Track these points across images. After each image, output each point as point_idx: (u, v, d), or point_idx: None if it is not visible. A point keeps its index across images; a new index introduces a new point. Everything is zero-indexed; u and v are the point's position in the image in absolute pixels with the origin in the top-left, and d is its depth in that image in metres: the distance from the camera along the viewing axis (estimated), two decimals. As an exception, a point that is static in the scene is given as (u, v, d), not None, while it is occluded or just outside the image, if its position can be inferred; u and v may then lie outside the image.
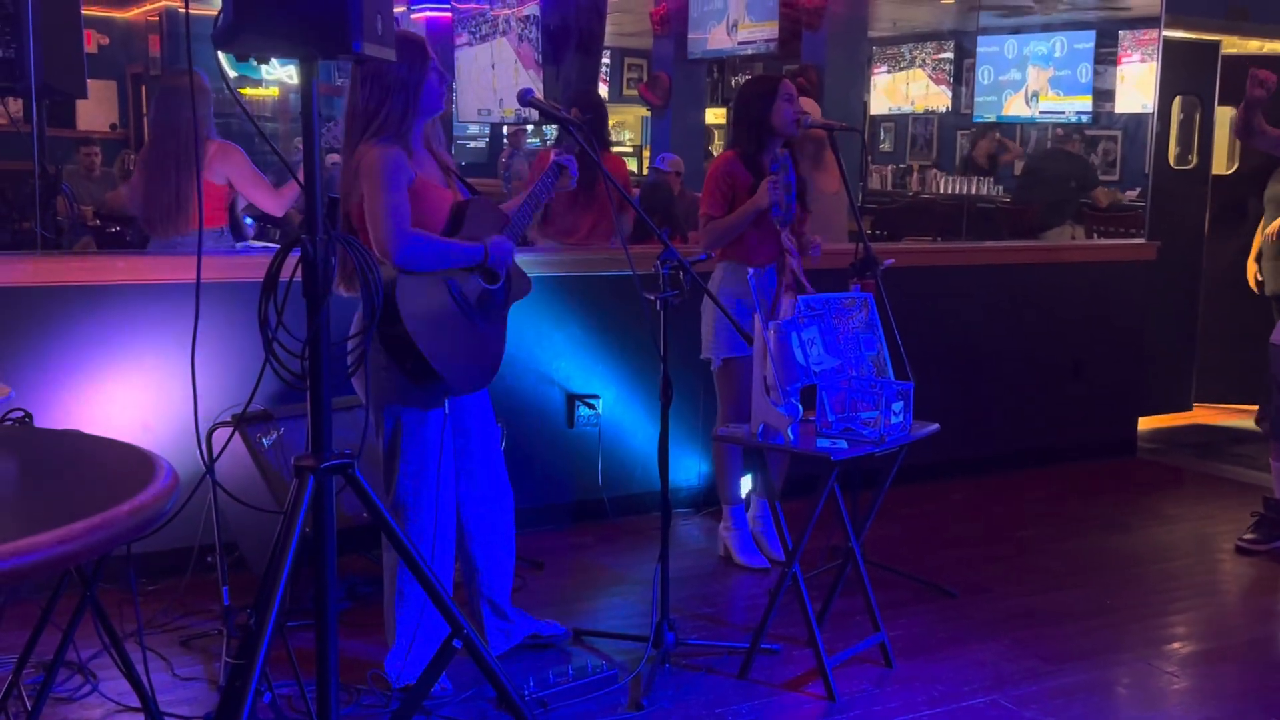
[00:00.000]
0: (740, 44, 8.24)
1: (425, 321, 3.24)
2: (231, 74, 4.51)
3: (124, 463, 1.85)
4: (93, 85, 5.55)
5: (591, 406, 5.02)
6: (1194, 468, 6.37)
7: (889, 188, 12.35)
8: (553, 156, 3.58)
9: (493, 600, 3.63)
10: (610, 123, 6.72)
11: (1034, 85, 9.99)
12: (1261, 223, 6.74)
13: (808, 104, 5.57)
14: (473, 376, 3.41)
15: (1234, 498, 5.69)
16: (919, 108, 12.40)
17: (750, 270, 4.14)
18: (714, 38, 8.74)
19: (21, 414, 2.89)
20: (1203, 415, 7.50)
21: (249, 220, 5.14)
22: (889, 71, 12.51)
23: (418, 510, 3.37)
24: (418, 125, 3.37)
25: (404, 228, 3.22)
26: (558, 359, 4.97)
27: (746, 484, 4.72)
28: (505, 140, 11.14)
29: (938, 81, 12.07)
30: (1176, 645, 4.03)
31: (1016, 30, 10.64)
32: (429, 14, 9.96)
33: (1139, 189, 8.48)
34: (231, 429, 3.19)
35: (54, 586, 2.87)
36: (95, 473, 1.90)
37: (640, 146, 14.41)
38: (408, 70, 3.27)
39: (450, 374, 3.29)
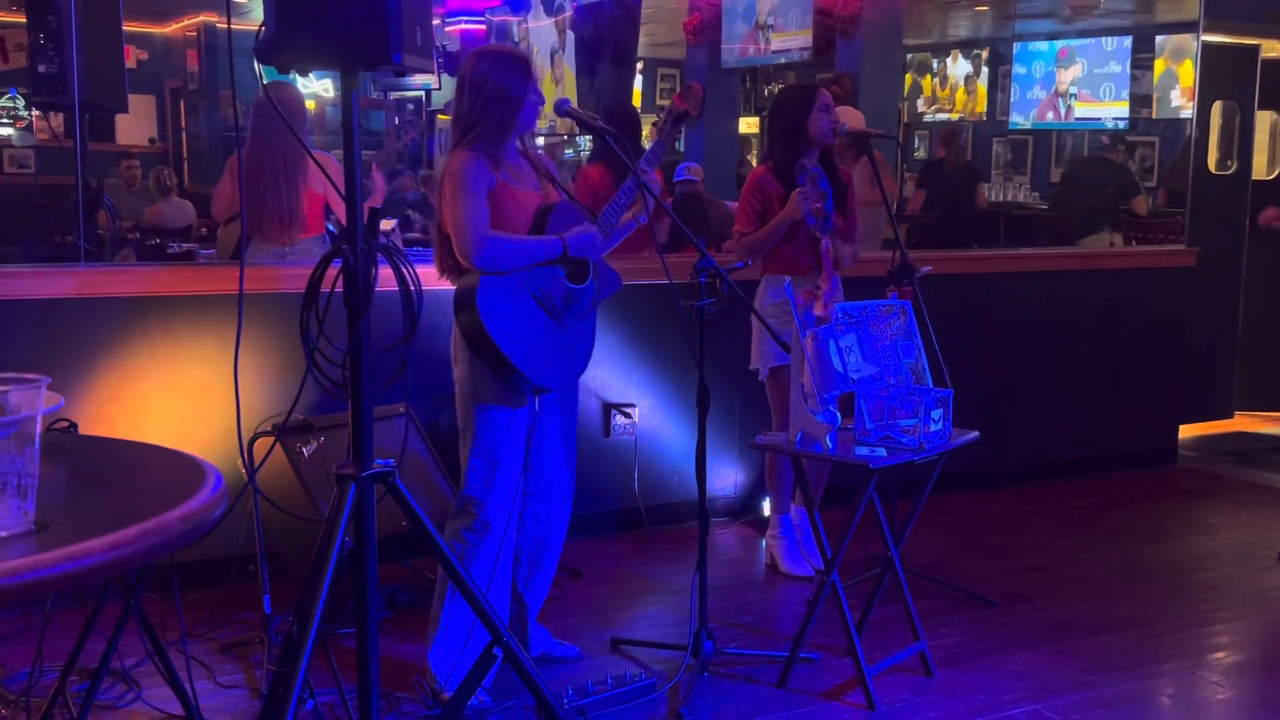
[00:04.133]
0: (774, 52, 8.22)
1: (505, 320, 3.30)
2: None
3: (173, 470, 1.88)
4: (132, 100, 5.62)
5: (628, 415, 5.02)
6: (1235, 476, 6.31)
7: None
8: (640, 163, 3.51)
9: (524, 601, 3.64)
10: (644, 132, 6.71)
11: (1070, 91, 9.92)
12: None
13: (847, 112, 5.55)
14: (556, 372, 3.44)
15: (1276, 505, 5.63)
16: (954, 115, 12.34)
17: (788, 280, 4.13)
18: (747, 47, 8.74)
19: (66, 424, 2.92)
20: (1244, 423, 7.42)
21: (332, 229, 5.17)
22: (923, 78, 12.46)
23: (487, 506, 3.41)
24: (513, 137, 3.44)
25: (481, 230, 3.28)
26: (594, 367, 4.95)
27: None
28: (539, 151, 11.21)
29: (974, 89, 12.00)
30: (1220, 655, 3.98)
31: (1053, 36, 10.57)
32: (464, 26, 10.00)
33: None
34: (273, 438, 3.21)
35: (98, 595, 2.90)
36: (145, 479, 1.92)
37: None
38: (514, 86, 3.35)
39: (531, 369, 3.33)
